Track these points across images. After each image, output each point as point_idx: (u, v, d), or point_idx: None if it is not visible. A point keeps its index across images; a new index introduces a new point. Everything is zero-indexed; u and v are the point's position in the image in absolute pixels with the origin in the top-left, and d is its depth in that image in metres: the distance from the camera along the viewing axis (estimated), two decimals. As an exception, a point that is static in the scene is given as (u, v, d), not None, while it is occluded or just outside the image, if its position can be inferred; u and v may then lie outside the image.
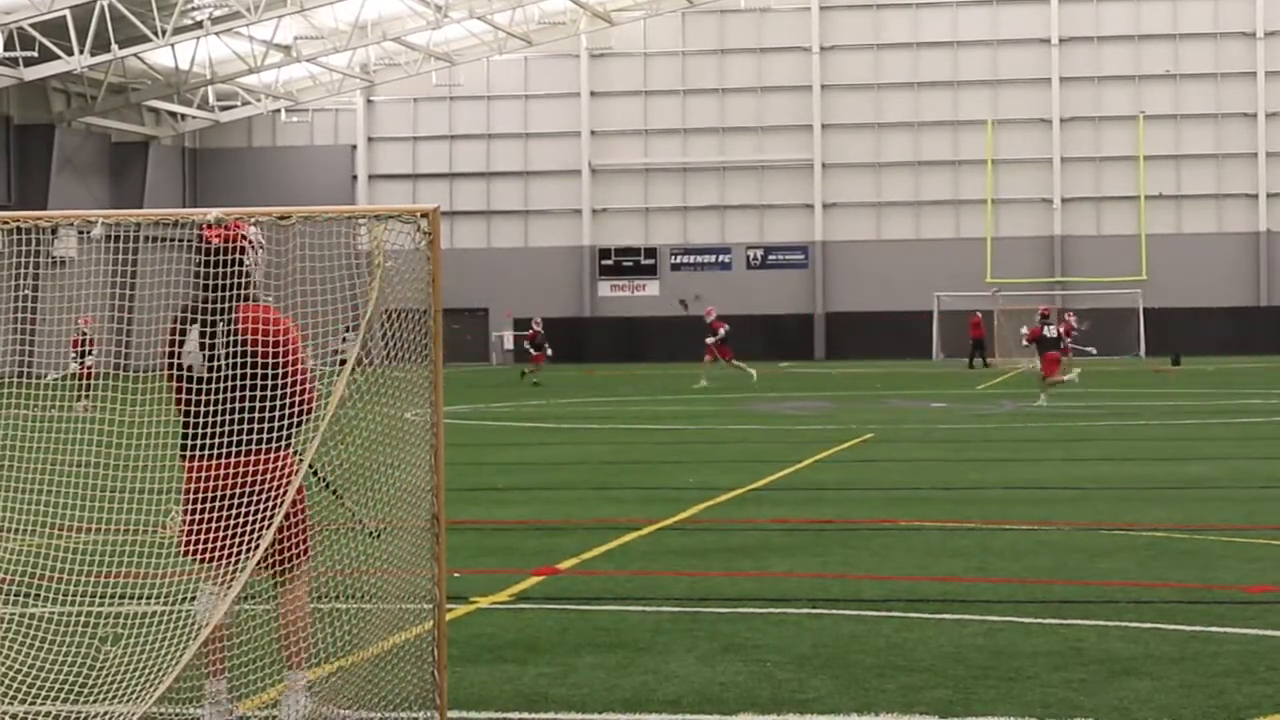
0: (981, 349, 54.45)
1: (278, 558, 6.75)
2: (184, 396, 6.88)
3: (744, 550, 12.35)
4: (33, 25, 51.65)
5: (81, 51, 52.71)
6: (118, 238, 7.28)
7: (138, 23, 52.89)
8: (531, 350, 47.67)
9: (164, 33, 54.20)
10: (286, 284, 7.68)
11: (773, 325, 69.26)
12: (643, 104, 71.12)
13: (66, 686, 7.18)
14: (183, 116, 68.23)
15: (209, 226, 6.73)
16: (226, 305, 6.79)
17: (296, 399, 6.81)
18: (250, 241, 6.88)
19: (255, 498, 6.67)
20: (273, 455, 6.74)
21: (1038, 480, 17.32)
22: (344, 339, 6.90)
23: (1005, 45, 69.12)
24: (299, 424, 6.83)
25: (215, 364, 6.76)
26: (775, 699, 7.50)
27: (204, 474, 6.79)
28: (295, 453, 6.80)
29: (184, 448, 6.88)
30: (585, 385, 44.97)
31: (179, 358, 6.90)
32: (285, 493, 6.59)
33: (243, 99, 68.38)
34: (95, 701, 6.98)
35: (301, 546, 6.90)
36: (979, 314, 57.21)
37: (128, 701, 6.76)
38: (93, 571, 7.82)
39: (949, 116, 69.47)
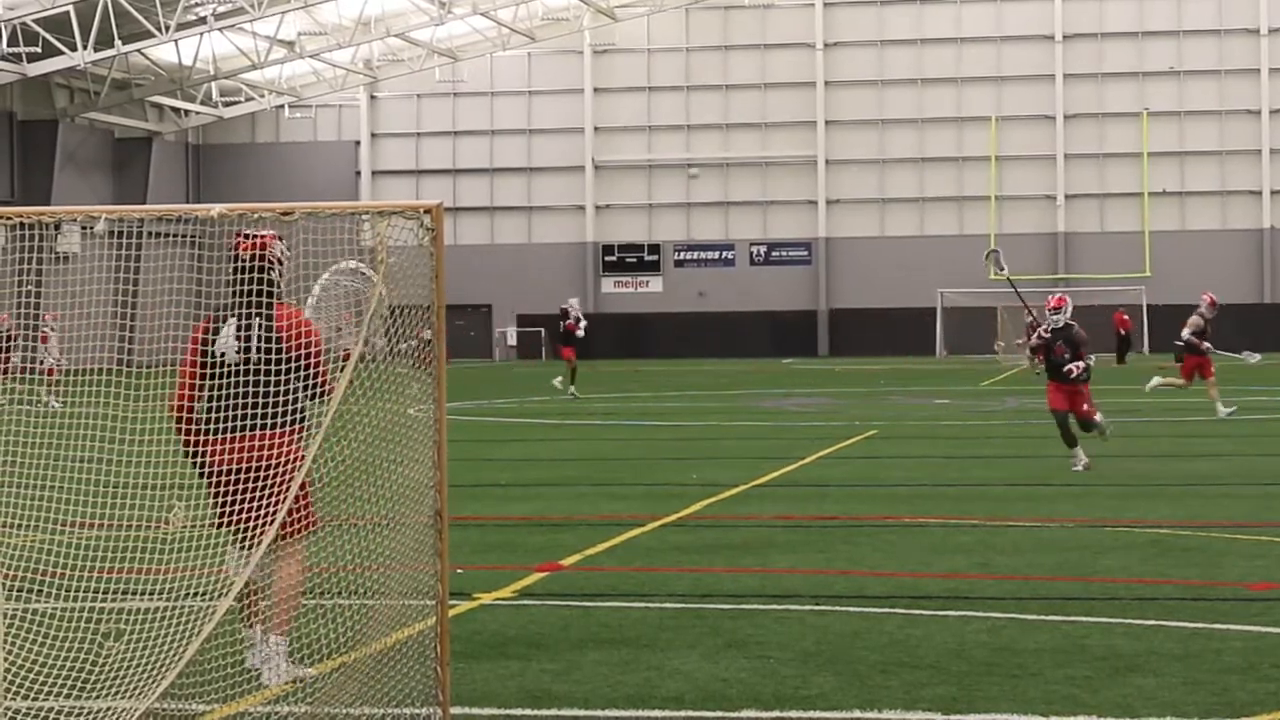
0: (1125, 346, 52.70)
1: (288, 524, 7.27)
2: (212, 383, 7.71)
3: (747, 547, 12.35)
4: (36, 21, 51.66)
5: (85, 47, 52.72)
6: (121, 233, 7.30)
7: (141, 18, 52.89)
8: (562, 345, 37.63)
9: (167, 28, 54.19)
10: (290, 280, 7.74)
11: (776, 321, 69.27)
12: (646, 100, 71.10)
13: (69, 682, 7.18)
14: (186, 112, 68.24)
15: (240, 240, 7.76)
16: (265, 303, 7.70)
17: (317, 385, 7.64)
18: (272, 250, 7.79)
19: (275, 470, 7.38)
20: (289, 433, 7.51)
21: (1041, 477, 17.31)
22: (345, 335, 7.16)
23: (1009, 41, 69.08)
24: (318, 411, 7.55)
25: (250, 354, 7.58)
26: (778, 695, 7.50)
27: (232, 450, 7.52)
28: (307, 429, 7.57)
29: (210, 430, 7.66)
30: (588, 381, 44.96)
31: (212, 347, 7.74)
32: (300, 464, 7.28)
33: (246, 95, 68.38)
34: (98, 697, 6.98)
35: (304, 519, 7.48)
36: (1121, 311, 56.15)
37: (130, 697, 6.77)
38: (95, 567, 7.83)
39: (953, 113, 69.43)
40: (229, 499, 7.38)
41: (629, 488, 17.01)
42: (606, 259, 71.27)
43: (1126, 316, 54.92)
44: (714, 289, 70.19)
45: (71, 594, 7.95)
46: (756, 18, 70.18)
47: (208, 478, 7.61)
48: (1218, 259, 67.36)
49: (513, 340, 71.03)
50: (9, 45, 52.40)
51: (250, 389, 7.47)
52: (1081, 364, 17.98)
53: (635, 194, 71.42)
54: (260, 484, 7.33)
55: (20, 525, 7.60)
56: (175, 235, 8.37)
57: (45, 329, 30.05)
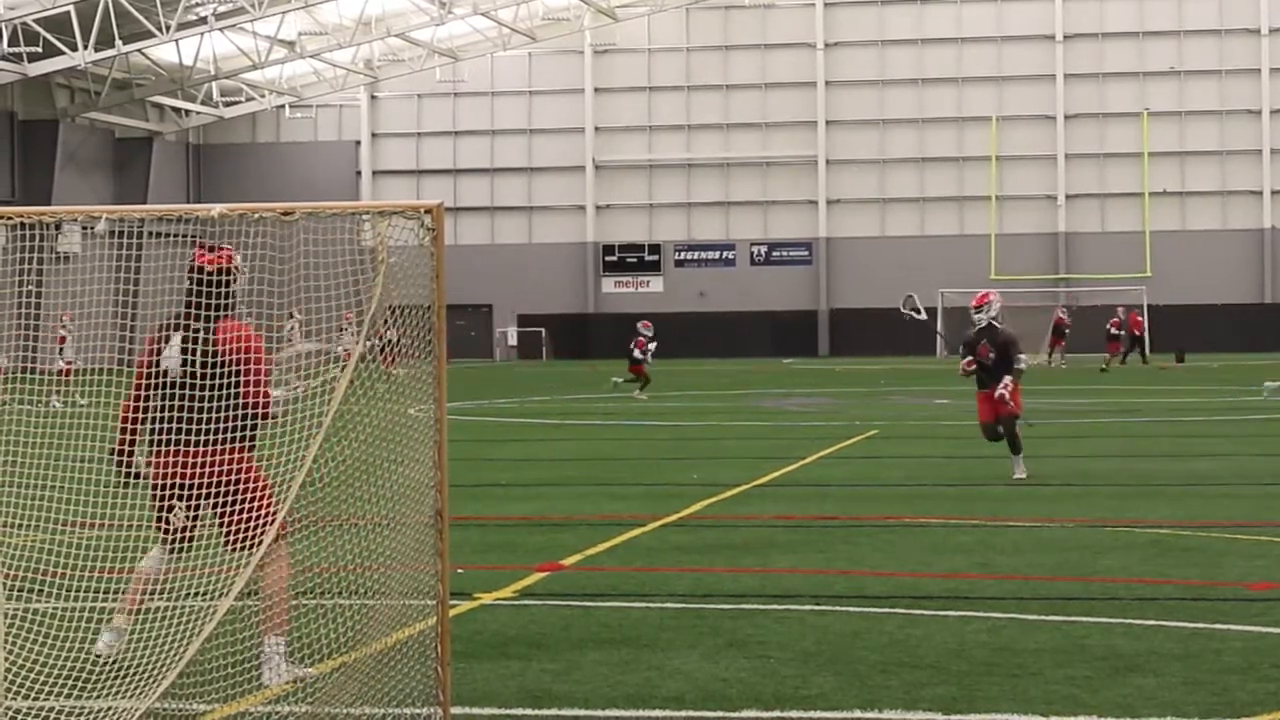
0: (1141, 346, 52.12)
1: (251, 540, 7.34)
2: (155, 395, 7.74)
3: (747, 547, 12.35)
4: (37, 21, 51.66)
5: (86, 47, 52.71)
6: (122, 233, 7.32)
7: (142, 18, 52.88)
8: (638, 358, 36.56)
9: (168, 28, 54.18)
10: (291, 280, 7.75)
11: (776, 321, 69.26)
12: (647, 100, 71.09)
13: (69, 682, 7.19)
14: (187, 112, 68.24)
15: (203, 253, 7.73)
16: (210, 320, 7.67)
17: (256, 406, 7.64)
18: (237, 267, 7.78)
19: (218, 487, 7.49)
20: (234, 451, 7.55)
21: (1041, 477, 17.30)
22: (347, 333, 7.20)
23: (1010, 41, 69.07)
24: (259, 427, 7.67)
25: (191, 369, 7.58)
26: (779, 695, 7.50)
27: (173, 465, 7.60)
28: (255, 452, 7.66)
29: (153, 443, 7.72)
30: (589, 381, 44.96)
31: (158, 358, 7.75)
32: (246, 484, 7.48)
33: (247, 94, 68.37)
34: (98, 697, 6.99)
35: (270, 530, 7.44)
36: (1135, 312, 55.58)
37: (130, 697, 6.77)
38: (96, 567, 7.83)
39: (953, 113, 69.43)
40: (167, 512, 7.62)
41: (629, 488, 17.01)
42: (607, 259, 71.27)
43: (1141, 318, 54.39)
44: (714, 289, 70.19)
45: (72, 594, 7.96)
46: (757, 18, 70.17)
47: (150, 490, 7.75)
48: (1218, 259, 67.36)
49: (513, 340, 71.02)
50: (10, 45, 52.41)
51: (190, 403, 7.53)
52: (1009, 381, 16.62)
53: (636, 194, 71.42)
54: (199, 501, 7.54)
55: (21, 525, 7.60)
56: (176, 235, 8.38)
57: (62, 330, 30.06)
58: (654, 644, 8.64)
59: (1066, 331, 53.40)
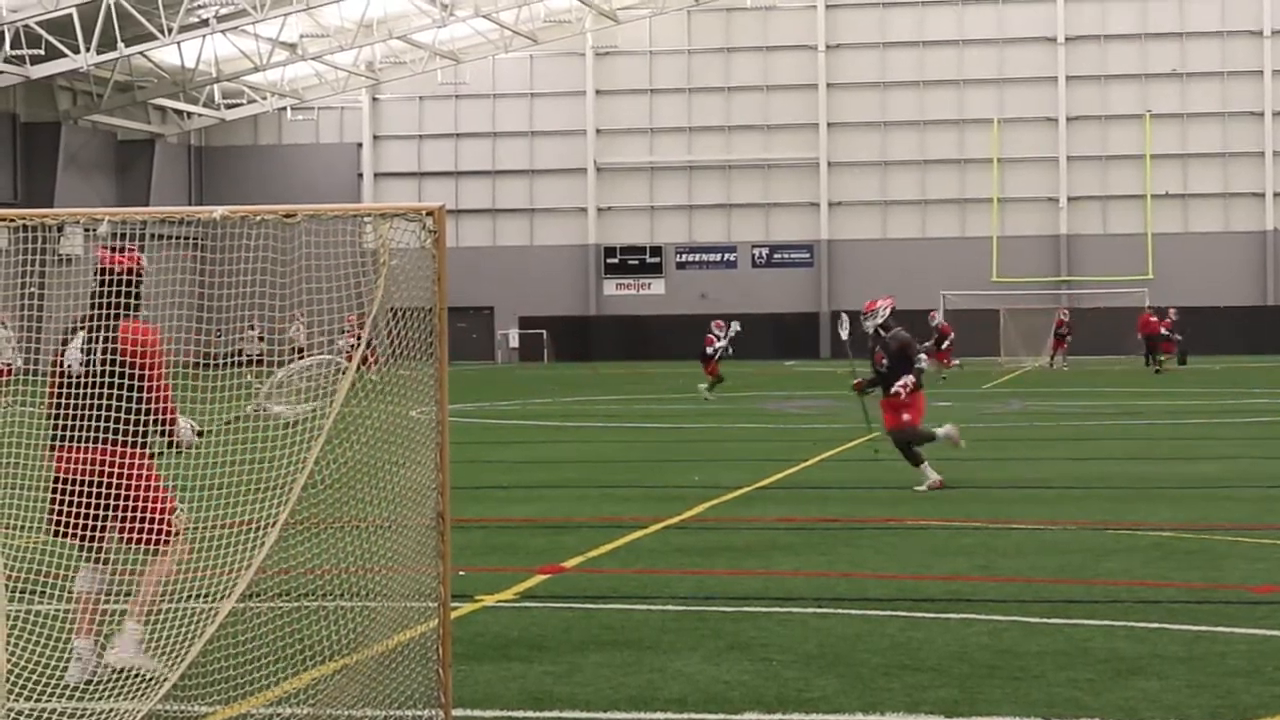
0: (1154, 348, 51.36)
1: (141, 536, 7.62)
2: (58, 393, 7.85)
3: (749, 549, 12.35)
4: (39, 23, 51.67)
5: (88, 49, 52.72)
6: (123, 235, 7.35)
7: (144, 21, 52.91)
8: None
9: (170, 31, 54.21)
10: (292, 281, 7.76)
11: (778, 324, 69.22)
12: (648, 102, 71.10)
13: (72, 683, 7.18)
14: (189, 114, 68.26)
15: (108, 254, 7.80)
16: (112, 320, 7.74)
17: (154, 407, 7.76)
18: (142, 268, 7.90)
19: (112, 486, 7.60)
20: (128, 451, 7.64)
21: (1043, 479, 17.30)
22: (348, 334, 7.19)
23: (1011, 44, 69.06)
24: (156, 430, 7.81)
25: (90, 368, 7.69)
26: (781, 698, 7.50)
27: (69, 462, 7.68)
28: (150, 454, 7.78)
29: (53, 439, 7.78)
30: (590, 384, 44.96)
31: (63, 356, 7.89)
32: (138, 484, 7.62)
33: (248, 97, 68.40)
34: (100, 698, 6.99)
35: (163, 530, 7.67)
36: (1150, 312, 55.23)
37: (132, 698, 6.77)
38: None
39: (955, 115, 69.42)
40: (63, 508, 7.66)
41: (631, 490, 17.01)
42: (608, 261, 71.26)
43: (1155, 319, 53.79)
44: (716, 291, 70.14)
45: (75, 596, 7.95)
46: (758, 20, 70.18)
47: (50, 486, 7.81)
48: (1220, 261, 67.34)
49: (515, 342, 71.01)
50: (12, 47, 52.42)
51: (89, 402, 7.59)
52: (909, 380, 16.51)
53: (637, 196, 71.42)
54: (95, 499, 7.60)
55: (23, 527, 7.60)
56: (177, 238, 8.43)
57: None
58: (656, 646, 8.64)
59: (1067, 334, 53.34)
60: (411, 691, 6.92)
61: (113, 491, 7.60)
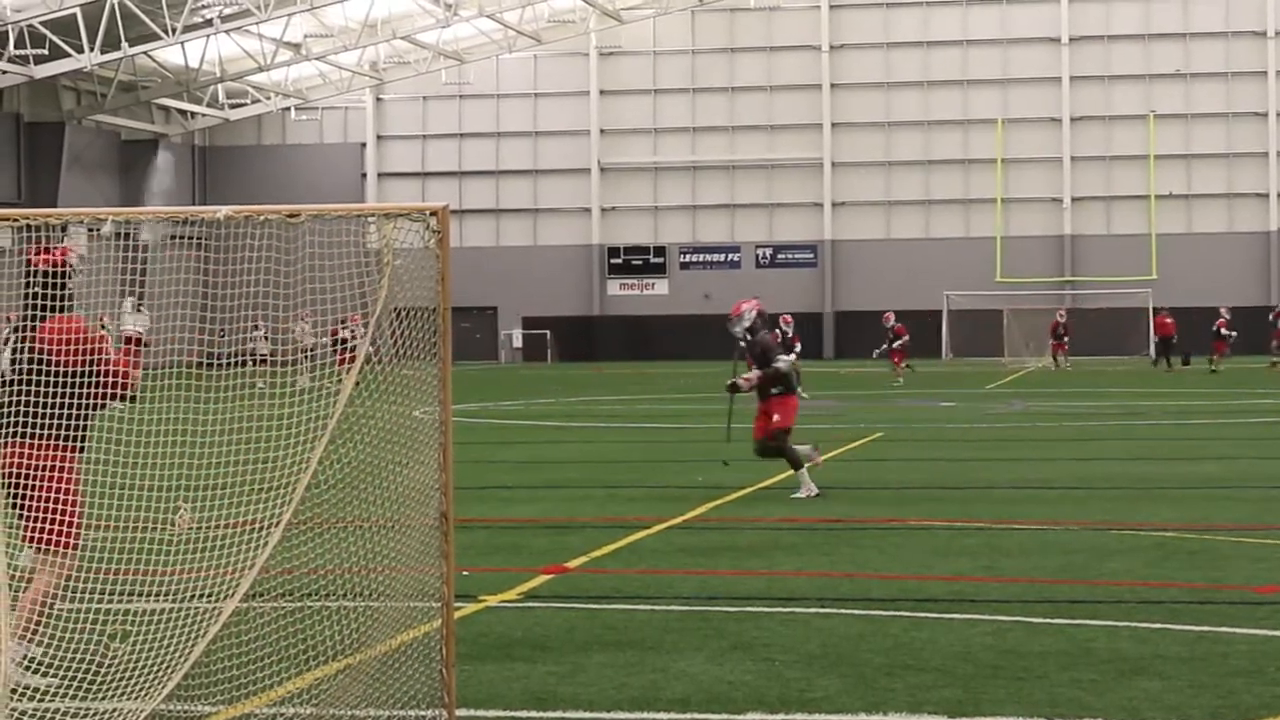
0: (1169, 349, 51.66)
1: (41, 534, 7.59)
2: None
3: (752, 549, 12.35)
4: (43, 23, 51.71)
5: (92, 49, 52.78)
6: (127, 235, 7.34)
7: (148, 20, 52.95)
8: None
9: (174, 30, 54.26)
10: (296, 281, 7.76)
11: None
12: (652, 102, 71.10)
13: (75, 683, 7.19)
14: (192, 114, 68.30)
15: (39, 253, 7.77)
16: (37, 318, 7.75)
17: (106, 389, 7.70)
18: (72, 265, 7.86)
19: (33, 480, 7.62)
20: (50, 449, 7.65)
21: (1046, 480, 17.29)
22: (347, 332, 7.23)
23: (1015, 44, 69.05)
24: (117, 401, 7.79)
25: (17, 365, 7.72)
26: (783, 698, 7.50)
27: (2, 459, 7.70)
28: (78, 449, 7.74)
29: None
30: (594, 384, 44.97)
31: None
32: (53, 484, 7.61)
33: (252, 97, 68.44)
34: (104, 699, 6.99)
35: (65, 534, 7.63)
36: (1165, 313, 54.69)
37: (136, 698, 6.78)
38: (101, 568, 7.83)
39: (959, 115, 69.42)
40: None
41: (634, 490, 17.02)
42: (612, 261, 71.27)
43: (1170, 320, 53.53)
44: (720, 291, 70.10)
45: (77, 595, 7.96)
46: (762, 20, 70.18)
47: None
48: (1224, 262, 67.31)
49: (518, 342, 71.03)
50: (16, 47, 52.46)
51: (13, 398, 7.61)
52: (755, 373, 16.09)
53: (641, 196, 71.42)
54: (18, 492, 7.64)
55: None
56: (181, 237, 8.45)
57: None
58: (659, 646, 8.64)
59: (1065, 335, 53.22)
60: (415, 692, 6.92)
61: (24, 488, 7.63)
